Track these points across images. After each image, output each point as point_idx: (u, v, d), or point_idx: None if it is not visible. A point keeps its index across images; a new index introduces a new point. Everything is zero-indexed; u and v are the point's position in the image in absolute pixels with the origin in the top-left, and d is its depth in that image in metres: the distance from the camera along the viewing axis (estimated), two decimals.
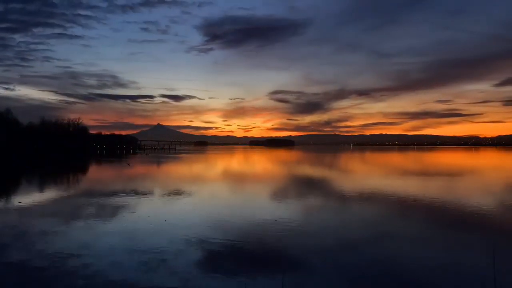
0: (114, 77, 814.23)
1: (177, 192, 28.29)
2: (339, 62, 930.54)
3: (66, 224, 17.18)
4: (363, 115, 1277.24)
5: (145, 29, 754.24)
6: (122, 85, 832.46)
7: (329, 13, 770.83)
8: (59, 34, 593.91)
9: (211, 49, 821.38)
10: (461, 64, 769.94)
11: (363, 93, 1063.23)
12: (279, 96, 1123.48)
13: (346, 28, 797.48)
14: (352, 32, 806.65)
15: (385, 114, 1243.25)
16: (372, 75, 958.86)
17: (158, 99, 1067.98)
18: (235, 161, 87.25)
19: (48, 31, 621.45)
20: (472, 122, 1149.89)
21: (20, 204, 22.53)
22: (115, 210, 20.64)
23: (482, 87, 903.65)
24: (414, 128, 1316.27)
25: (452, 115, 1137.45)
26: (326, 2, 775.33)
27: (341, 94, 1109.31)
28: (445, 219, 18.44)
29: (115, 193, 27.49)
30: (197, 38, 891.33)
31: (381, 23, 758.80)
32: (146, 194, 27.35)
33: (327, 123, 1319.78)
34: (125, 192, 28.06)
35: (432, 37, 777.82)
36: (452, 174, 48.05)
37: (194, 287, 9.86)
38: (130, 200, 24.29)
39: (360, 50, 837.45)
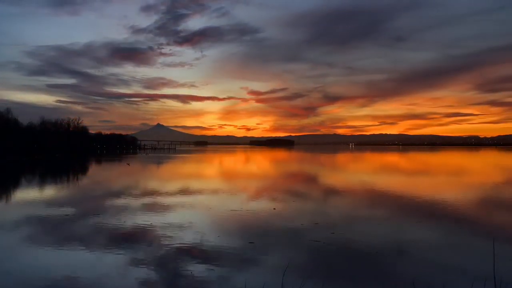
0: (114, 77, 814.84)
1: (176, 192, 28.32)
2: (317, 75, 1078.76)
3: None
4: (354, 117, 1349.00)
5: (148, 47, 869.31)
6: (122, 85, 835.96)
7: (296, 38, 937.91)
8: None
9: (200, 63, 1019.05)
10: (419, 76, 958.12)
11: (348, 99, 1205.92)
12: (270, 99, 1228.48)
13: (316, 49, 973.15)
14: (321, 52, 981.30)
15: (375, 117, 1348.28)
16: (351, 85, 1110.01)
17: (158, 100, 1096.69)
18: (235, 161, 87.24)
19: None
20: (462, 123, 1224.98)
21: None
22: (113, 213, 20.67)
23: (440, 94, 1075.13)
24: (414, 128, 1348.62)
25: (446, 115, 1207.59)
26: (290, 30, 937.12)
27: (327, 100, 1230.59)
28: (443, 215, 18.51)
29: (113, 194, 27.50)
30: (188, 56, 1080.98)
31: (342, 48, 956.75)
32: (146, 194, 27.36)
33: (322, 124, 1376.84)
34: (124, 193, 28.09)
35: (387, 56, 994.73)
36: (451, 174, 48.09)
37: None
38: (123, 201, 24.30)
39: (335, 66, 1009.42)
